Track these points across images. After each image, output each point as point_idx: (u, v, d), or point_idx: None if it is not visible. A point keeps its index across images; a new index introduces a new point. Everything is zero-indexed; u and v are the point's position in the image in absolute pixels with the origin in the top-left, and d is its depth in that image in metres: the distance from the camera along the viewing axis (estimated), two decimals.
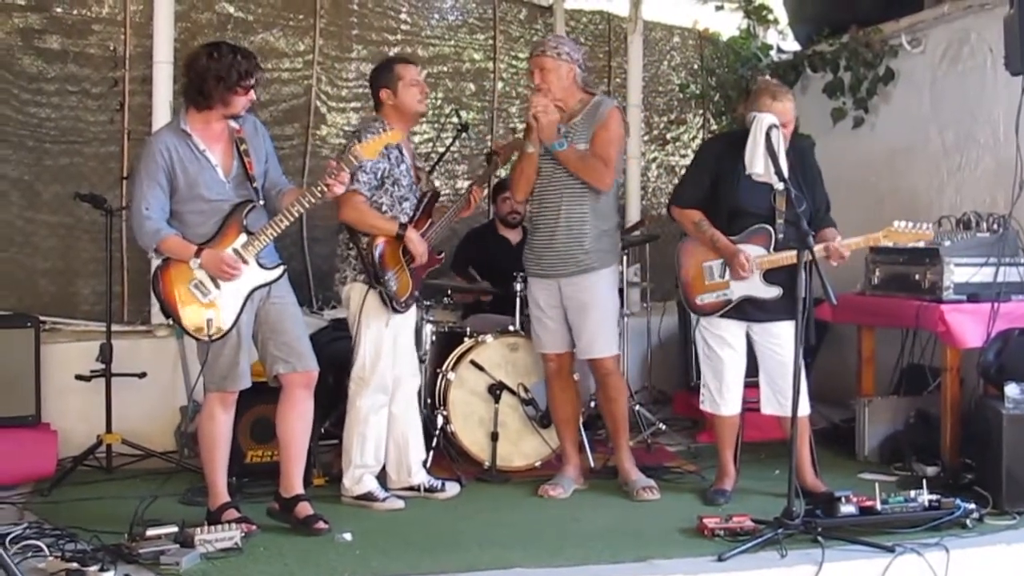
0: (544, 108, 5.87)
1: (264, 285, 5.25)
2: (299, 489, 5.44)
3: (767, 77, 7.92)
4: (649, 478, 6.11)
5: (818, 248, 5.44)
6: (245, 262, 5.16)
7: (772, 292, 5.68)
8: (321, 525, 5.27)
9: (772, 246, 5.68)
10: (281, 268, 5.31)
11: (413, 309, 6.12)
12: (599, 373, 6.16)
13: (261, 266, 5.23)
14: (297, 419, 5.42)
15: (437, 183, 7.86)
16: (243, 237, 5.17)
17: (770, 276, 5.68)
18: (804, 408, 5.67)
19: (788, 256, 5.49)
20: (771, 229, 5.69)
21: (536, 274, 6.14)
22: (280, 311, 5.34)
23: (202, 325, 5.12)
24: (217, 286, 5.14)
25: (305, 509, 5.36)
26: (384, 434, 5.94)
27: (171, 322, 5.31)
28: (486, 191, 7.32)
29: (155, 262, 5.22)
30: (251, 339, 5.31)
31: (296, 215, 5.18)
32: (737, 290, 5.76)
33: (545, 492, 6.01)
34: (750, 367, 6.02)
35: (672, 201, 6.14)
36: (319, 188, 5.13)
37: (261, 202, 5.29)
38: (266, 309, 5.31)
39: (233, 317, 5.16)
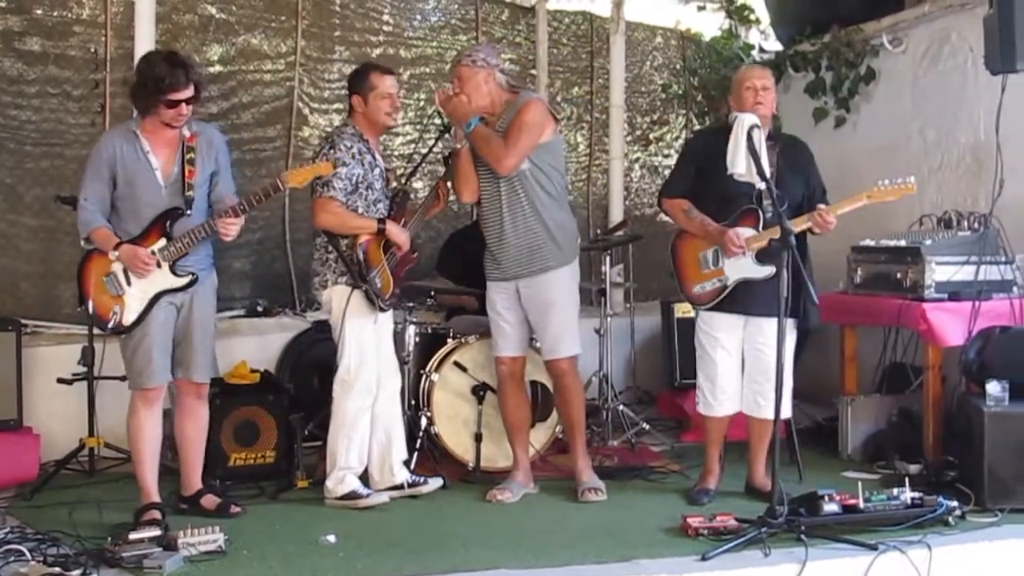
0: (444, 99, 5.95)
1: (171, 290, 5.36)
2: (199, 485, 5.65)
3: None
4: (599, 480, 6.10)
5: (804, 220, 5.50)
6: (159, 264, 5.30)
7: (765, 271, 5.65)
8: (235, 509, 5.54)
9: (761, 226, 5.68)
10: (190, 277, 5.40)
11: (390, 310, 6.12)
12: (553, 374, 6.14)
13: (173, 272, 5.35)
14: (190, 423, 5.65)
15: (419, 184, 7.86)
16: (162, 242, 5.32)
17: (762, 257, 5.68)
18: (787, 410, 5.70)
19: (767, 235, 5.56)
20: (759, 209, 5.69)
21: (494, 277, 6.09)
22: (191, 320, 5.48)
23: (107, 316, 5.32)
24: (128, 283, 5.31)
25: (212, 500, 5.59)
26: (368, 436, 5.94)
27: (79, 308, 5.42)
28: None
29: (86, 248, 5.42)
30: (171, 340, 5.44)
31: (208, 233, 5.35)
32: (732, 274, 5.76)
33: (493, 497, 5.97)
34: None
35: (661, 194, 6.20)
36: (211, 225, 5.32)
37: (190, 212, 5.38)
38: (184, 315, 5.46)
39: (135, 315, 5.32)
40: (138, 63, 5.45)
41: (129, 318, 5.31)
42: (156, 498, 5.42)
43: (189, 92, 5.30)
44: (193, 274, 5.39)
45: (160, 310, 5.34)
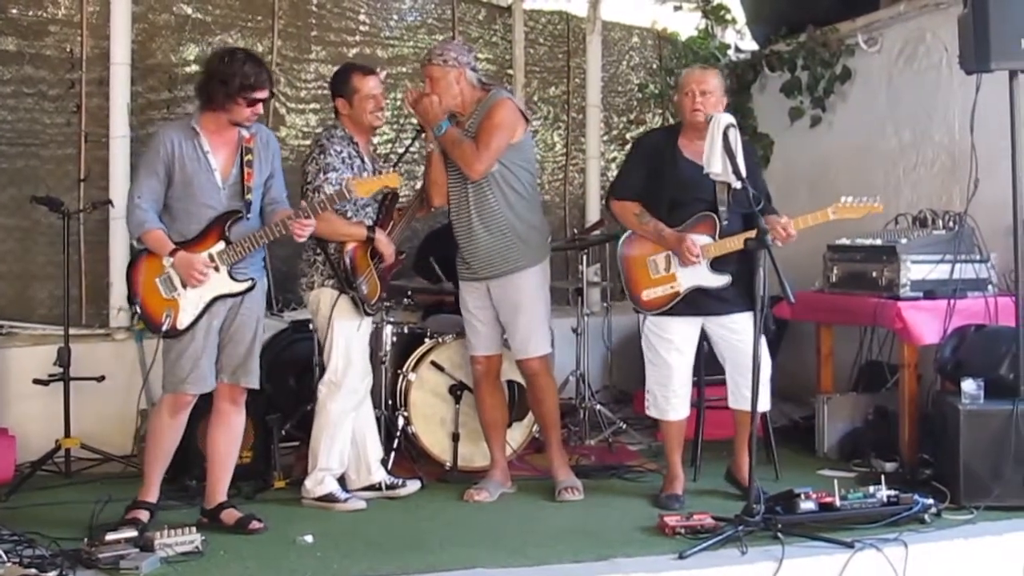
0: (413, 100, 5.94)
1: (228, 296, 5.27)
2: (222, 498, 5.47)
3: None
4: (576, 479, 6.11)
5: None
6: (216, 269, 5.20)
7: (721, 280, 5.68)
8: (256, 524, 5.32)
9: (717, 233, 5.68)
10: (249, 283, 5.32)
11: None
12: (525, 374, 6.14)
13: (232, 277, 5.25)
14: (222, 433, 5.49)
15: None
16: (221, 245, 5.21)
17: (717, 265, 5.69)
18: (765, 403, 5.71)
19: (734, 241, 5.55)
20: (715, 216, 5.68)
21: (466, 277, 6.09)
22: (243, 323, 5.37)
23: (158, 319, 5.18)
24: (184, 286, 5.18)
25: (232, 515, 5.39)
26: (350, 438, 5.94)
27: (133, 318, 5.33)
28: None
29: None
30: (217, 345, 5.33)
31: (273, 237, 5.26)
32: (685, 281, 5.73)
33: (471, 497, 5.97)
34: (713, 364, 6.05)
35: (609, 194, 6.12)
36: (279, 228, 5.24)
37: (249, 215, 5.31)
38: (232, 319, 5.34)
39: (190, 319, 5.19)
40: (212, 59, 5.34)
41: (184, 321, 5.19)
42: (152, 498, 5.35)
43: (267, 92, 5.31)
44: (251, 279, 5.32)
45: (212, 315, 5.24)
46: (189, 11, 7.89)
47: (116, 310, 7.25)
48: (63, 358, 6.52)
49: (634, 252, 5.89)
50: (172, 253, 5.16)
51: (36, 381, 6.59)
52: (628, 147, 8.34)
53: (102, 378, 6.79)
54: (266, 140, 5.51)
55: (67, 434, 6.46)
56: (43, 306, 7.35)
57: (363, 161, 5.95)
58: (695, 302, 5.76)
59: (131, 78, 7.32)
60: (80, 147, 7.42)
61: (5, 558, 4.68)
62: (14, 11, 7.30)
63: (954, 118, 7.12)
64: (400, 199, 6.22)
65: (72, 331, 6.67)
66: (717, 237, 5.67)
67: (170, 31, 7.83)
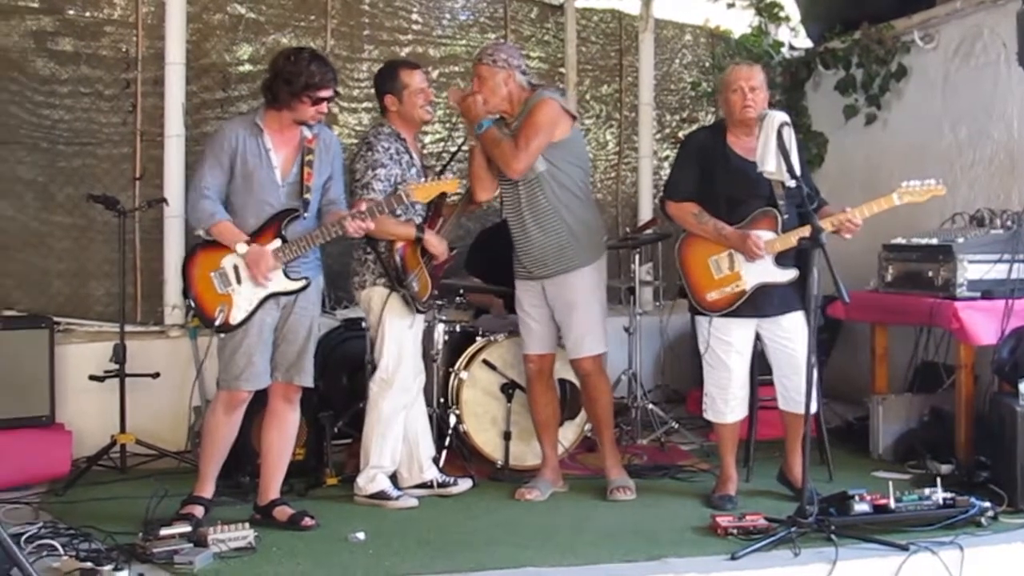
0: (459, 97, 5.95)
1: (282, 293, 5.30)
2: (275, 495, 5.49)
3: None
4: (628, 478, 6.09)
5: (829, 223, 5.44)
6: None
7: (788, 274, 5.62)
8: (308, 521, 5.34)
9: (780, 228, 5.62)
10: (303, 282, 5.34)
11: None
12: (579, 373, 6.14)
13: (286, 275, 5.28)
14: (275, 430, 5.51)
15: None
16: (277, 242, 5.24)
17: (780, 261, 5.64)
18: (812, 404, 5.66)
19: (795, 234, 5.48)
20: (776, 211, 5.64)
21: (521, 276, 6.10)
22: (298, 321, 5.40)
23: (212, 314, 5.21)
24: (238, 281, 5.22)
25: (285, 512, 5.42)
26: (401, 436, 5.96)
27: (188, 315, 5.35)
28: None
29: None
30: (272, 343, 5.36)
31: (330, 237, 5.29)
32: (751, 279, 5.67)
33: (522, 495, 5.96)
34: (764, 364, 6.01)
35: (665, 196, 6.04)
36: (335, 228, 5.26)
37: (307, 214, 5.34)
38: (286, 317, 5.37)
39: (243, 315, 5.22)
40: (278, 58, 5.36)
41: (237, 317, 5.22)
42: (207, 493, 5.38)
43: (331, 92, 5.34)
44: (306, 279, 5.34)
45: (266, 312, 5.27)
46: (243, 11, 7.95)
47: (171, 307, 7.32)
48: (119, 355, 6.58)
49: (693, 254, 5.82)
50: (248, 243, 5.20)
51: (92, 377, 6.67)
52: (677, 148, 8.31)
53: (157, 375, 6.86)
54: (328, 142, 5.53)
55: (122, 430, 6.52)
56: (99, 303, 7.43)
57: (411, 157, 5.96)
58: (755, 303, 5.70)
59: (185, 77, 7.38)
60: (135, 146, 7.51)
61: (62, 552, 4.76)
62: (71, 12, 7.40)
63: (1012, 115, 7.04)
64: (449, 196, 6.23)
65: (127, 328, 6.74)
66: (780, 232, 5.61)
67: (224, 31, 7.90)
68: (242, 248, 5.18)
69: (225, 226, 5.22)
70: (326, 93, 5.30)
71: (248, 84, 7.83)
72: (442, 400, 6.69)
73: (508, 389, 6.50)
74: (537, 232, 5.89)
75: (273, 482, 5.50)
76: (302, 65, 5.25)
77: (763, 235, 5.59)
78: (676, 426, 7.40)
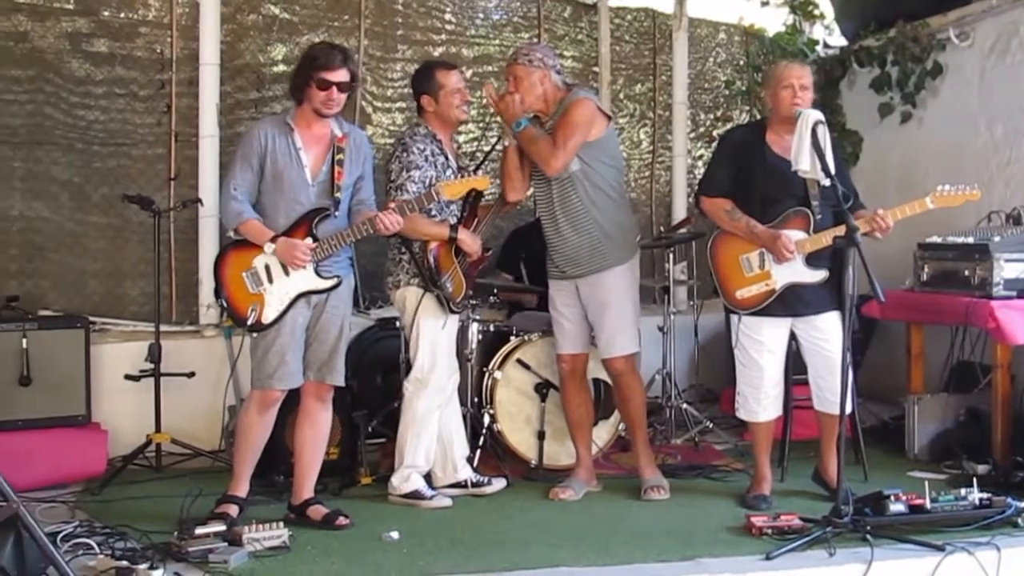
0: (496, 97, 5.93)
1: (313, 292, 5.31)
2: (308, 494, 5.51)
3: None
4: (663, 478, 6.08)
5: (862, 223, 5.38)
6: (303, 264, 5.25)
7: (818, 275, 5.59)
8: (342, 520, 5.36)
9: (812, 228, 5.59)
10: (335, 280, 5.35)
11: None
12: (611, 373, 6.12)
13: (317, 274, 5.30)
14: (309, 429, 5.53)
15: None
16: (308, 241, 5.25)
17: (812, 261, 5.61)
18: (847, 404, 5.64)
19: (830, 234, 5.44)
20: (808, 211, 5.61)
21: (554, 275, 6.11)
22: (329, 320, 5.41)
23: (244, 313, 5.25)
24: (270, 280, 5.24)
25: (319, 511, 5.43)
26: (436, 435, 5.96)
27: (222, 315, 5.37)
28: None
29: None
30: (304, 342, 5.37)
31: (360, 236, 5.30)
32: (780, 278, 5.64)
33: (555, 495, 5.97)
34: (798, 364, 5.98)
35: (699, 192, 6.01)
36: (365, 227, 5.27)
37: (337, 213, 5.35)
38: (318, 316, 5.38)
39: (275, 314, 5.24)
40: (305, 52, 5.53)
41: (269, 316, 5.24)
42: (241, 492, 5.41)
43: (342, 76, 5.30)
44: (337, 277, 5.36)
45: (298, 311, 5.29)
46: (276, 11, 7.98)
47: (205, 307, 7.35)
48: (154, 354, 6.61)
49: (725, 251, 5.82)
50: (273, 239, 5.22)
51: (127, 377, 6.71)
52: (714, 144, 8.27)
53: (192, 374, 6.90)
54: (359, 142, 5.55)
55: (157, 429, 6.55)
56: (134, 303, 7.47)
57: (447, 158, 5.97)
58: (786, 302, 5.68)
59: (220, 78, 7.43)
60: (170, 146, 7.53)
61: (98, 550, 4.79)
62: (106, 14, 7.44)
63: None
64: (484, 196, 6.23)
65: (162, 328, 6.77)
66: (811, 232, 5.58)
67: (258, 31, 7.92)
68: (269, 247, 5.20)
69: (253, 224, 5.26)
70: (331, 76, 5.26)
71: (282, 84, 7.83)
72: (476, 400, 6.69)
73: (542, 389, 6.49)
74: (570, 231, 5.89)
75: (307, 481, 5.52)
76: (310, 50, 5.37)
77: (794, 235, 5.57)
78: (710, 425, 7.37)
